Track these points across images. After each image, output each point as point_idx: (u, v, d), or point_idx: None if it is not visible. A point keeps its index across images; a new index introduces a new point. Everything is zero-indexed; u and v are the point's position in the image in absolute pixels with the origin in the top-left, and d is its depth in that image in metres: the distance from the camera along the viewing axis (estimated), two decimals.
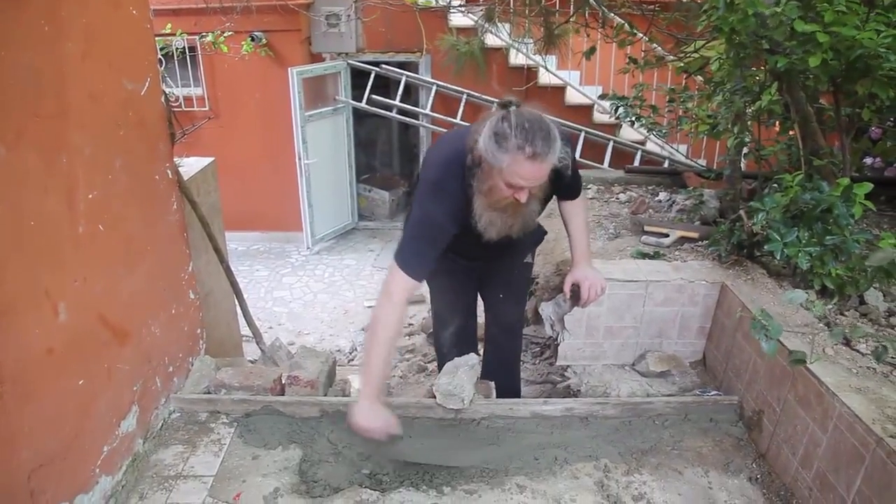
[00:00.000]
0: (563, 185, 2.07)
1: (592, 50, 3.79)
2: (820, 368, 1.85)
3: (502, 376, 2.55)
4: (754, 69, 2.78)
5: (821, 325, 2.13)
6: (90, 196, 1.77)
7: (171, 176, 2.30)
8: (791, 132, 2.96)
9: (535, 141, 1.70)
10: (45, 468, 1.60)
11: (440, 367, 2.58)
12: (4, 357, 1.45)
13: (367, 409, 1.90)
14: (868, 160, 3.71)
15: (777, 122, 3.04)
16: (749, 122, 2.94)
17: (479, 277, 2.53)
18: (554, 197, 2.18)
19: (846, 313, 2.23)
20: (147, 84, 2.08)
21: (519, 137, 1.70)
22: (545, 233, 2.46)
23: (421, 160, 4.42)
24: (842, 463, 1.70)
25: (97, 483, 1.82)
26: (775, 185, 2.59)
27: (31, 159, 1.54)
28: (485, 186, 1.85)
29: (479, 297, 2.63)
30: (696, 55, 3.37)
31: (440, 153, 2.05)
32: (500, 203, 1.87)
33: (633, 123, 3.91)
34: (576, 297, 2.29)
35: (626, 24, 3.83)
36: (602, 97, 3.78)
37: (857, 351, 1.97)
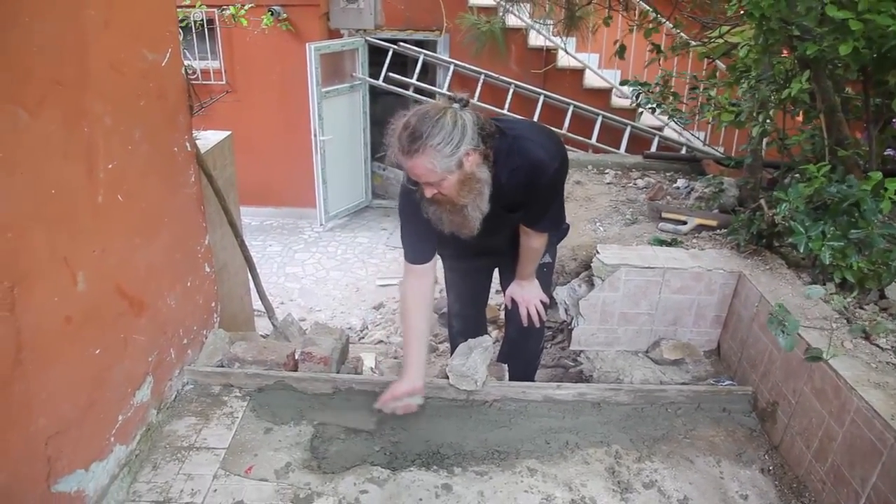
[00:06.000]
0: (533, 202, 2.01)
1: (623, 48, 3.73)
2: (838, 362, 1.83)
3: (516, 377, 2.50)
4: (782, 56, 2.72)
5: (839, 318, 2.10)
6: (110, 166, 1.76)
7: (189, 148, 2.29)
8: (816, 122, 2.91)
9: (402, 137, 1.73)
10: (61, 435, 1.61)
11: (452, 350, 2.57)
12: (24, 324, 1.46)
13: (398, 380, 2.10)
14: (889, 151, 3.64)
15: (801, 112, 2.99)
16: (773, 111, 2.89)
17: (497, 273, 2.53)
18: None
19: (865, 307, 2.20)
20: (168, 55, 2.07)
21: (398, 135, 1.75)
22: (567, 228, 2.42)
23: None
24: (857, 457, 1.69)
25: (112, 451, 1.84)
26: (798, 175, 2.55)
27: (52, 127, 1.53)
28: None
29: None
30: (720, 41, 3.30)
31: None
32: (427, 197, 1.86)
33: (653, 111, 3.85)
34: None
35: (650, 11, 3.76)
36: (623, 83, 3.71)
37: (877, 345, 1.94)
